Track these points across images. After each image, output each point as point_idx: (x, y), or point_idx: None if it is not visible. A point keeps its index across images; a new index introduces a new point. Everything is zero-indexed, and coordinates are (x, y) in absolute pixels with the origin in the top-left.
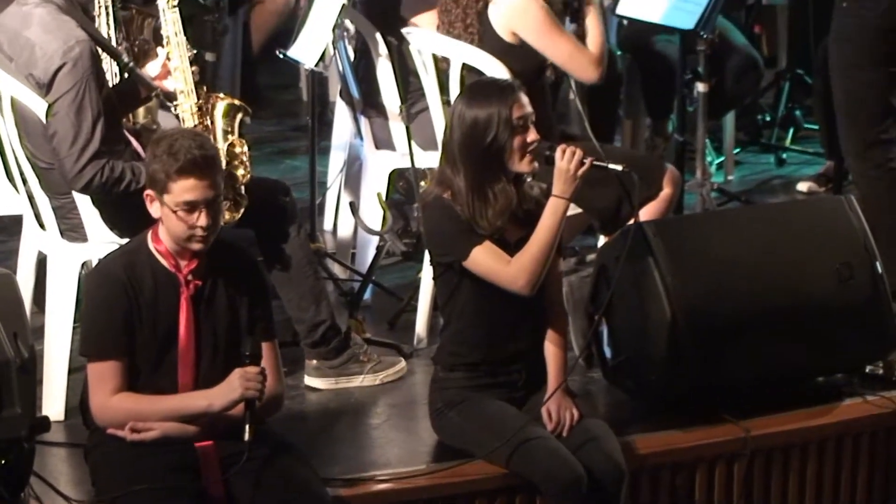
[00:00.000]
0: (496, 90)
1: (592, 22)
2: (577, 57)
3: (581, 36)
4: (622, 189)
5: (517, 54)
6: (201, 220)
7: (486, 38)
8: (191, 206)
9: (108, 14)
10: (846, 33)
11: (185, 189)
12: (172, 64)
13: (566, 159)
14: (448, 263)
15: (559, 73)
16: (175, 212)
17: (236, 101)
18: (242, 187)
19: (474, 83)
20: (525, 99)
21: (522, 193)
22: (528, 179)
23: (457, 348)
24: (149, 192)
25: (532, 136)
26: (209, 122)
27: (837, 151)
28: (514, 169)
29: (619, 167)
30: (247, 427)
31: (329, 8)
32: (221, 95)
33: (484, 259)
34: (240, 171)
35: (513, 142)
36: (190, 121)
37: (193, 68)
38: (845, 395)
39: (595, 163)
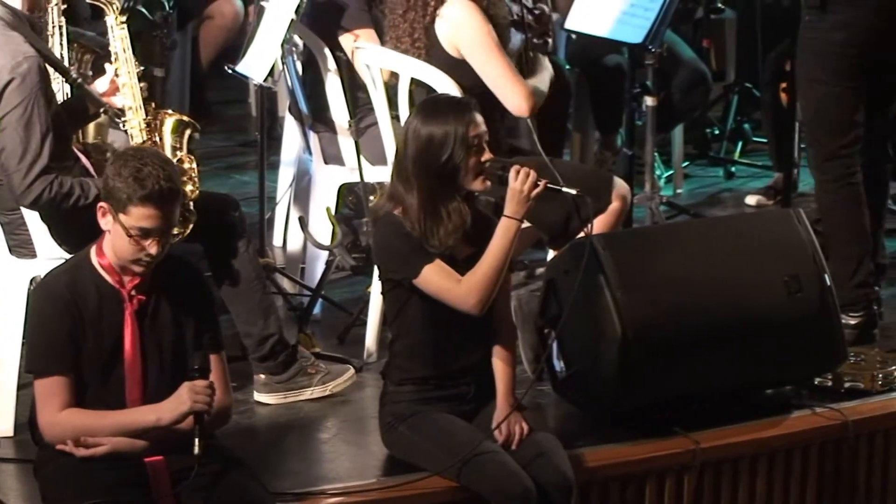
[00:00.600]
0: (453, 108)
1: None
2: (508, 82)
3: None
4: (571, 203)
5: (465, 69)
6: (152, 248)
7: (434, 53)
8: (145, 233)
9: (61, 34)
10: (809, 46)
11: (143, 216)
12: (121, 80)
13: (520, 180)
14: (398, 280)
15: None
16: (129, 235)
17: (185, 117)
18: (191, 203)
19: (430, 99)
20: (480, 118)
21: (473, 210)
22: (478, 195)
23: (405, 363)
24: (103, 204)
25: (486, 155)
26: (157, 139)
27: (786, 164)
28: (467, 188)
29: (572, 191)
30: (196, 441)
31: (278, 23)
32: (170, 111)
33: (434, 278)
34: (188, 188)
35: (468, 161)
36: (138, 137)
37: (142, 84)
38: (794, 407)
39: (549, 185)
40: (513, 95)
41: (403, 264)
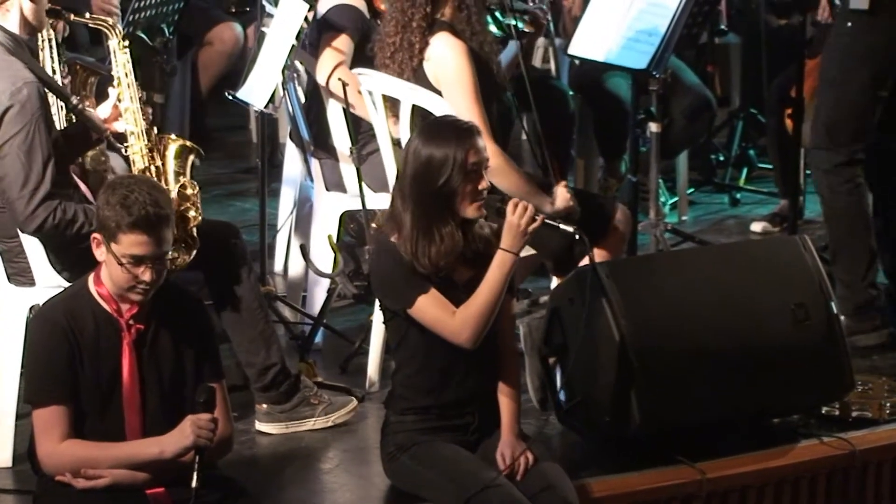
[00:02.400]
0: (454, 131)
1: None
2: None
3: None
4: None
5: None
6: (146, 275)
7: None
8: (137, 261)
9: (51, 48)
10: (849, 51)
11: (133, 243)
12: (123, 105)
13: (517, 214)
14: (394, 311)
15: (510, 114)
16: (121, 263)
17: (188, 143)
18: (194, 230)
19: (433, 120)
20: (482, 144)
21: (472, 233)
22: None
23: (408, 392)
24: (96, 235)
25: (484, 183)
26: (161, 164)
27: (791, 191)
28: (462, 214)
29: (570, 228)
30: (195, 474)
31: (279, 49)
32: (173, 137)
33: (428, 309)
34: (191, 213)
35: (465, 187)
36: (141, 162)
37: (146, 110)
38: (801, 436)
39: (546, 221)
40: None
41: (398, 294)
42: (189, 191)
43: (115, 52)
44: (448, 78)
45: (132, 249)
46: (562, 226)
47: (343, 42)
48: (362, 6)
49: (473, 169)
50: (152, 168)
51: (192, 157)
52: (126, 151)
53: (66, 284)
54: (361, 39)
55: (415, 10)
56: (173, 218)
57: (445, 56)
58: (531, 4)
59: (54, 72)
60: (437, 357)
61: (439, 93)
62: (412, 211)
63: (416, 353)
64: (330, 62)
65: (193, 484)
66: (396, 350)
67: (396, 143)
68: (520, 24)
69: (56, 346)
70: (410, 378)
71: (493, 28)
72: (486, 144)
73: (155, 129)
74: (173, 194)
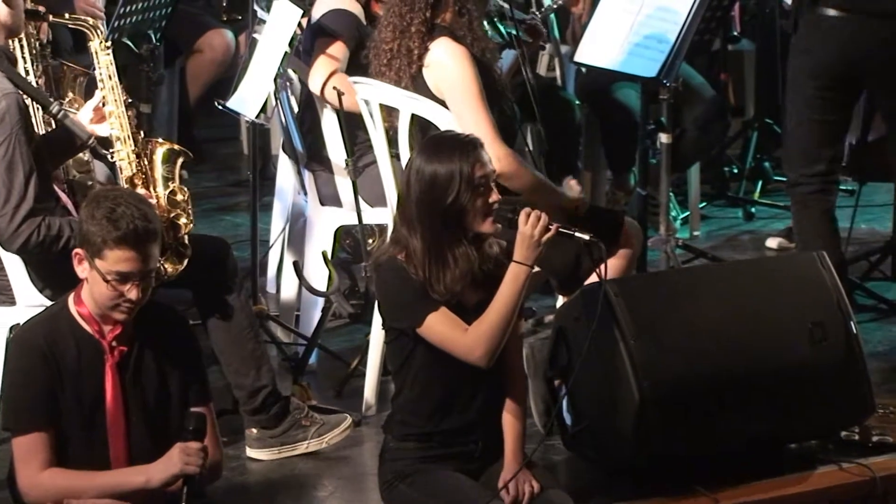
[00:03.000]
0: (457, 146)
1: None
2: (485, 136)
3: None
4: (581, 247)
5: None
6: (131, 292)
7: None
8: (123, 278)
9: (21, 47)
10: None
11: (120, 259)
12: (108, 108)
13: (530, 224)
14: (401, 330)
15: (513, 124)
16: (106, 280)
17: (176, 147)
18: (185, 237)
19: (433, 137)
20: (487, 157)
21: (482, 253)
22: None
23: (409, 417)
24: (79, 251)
25: (494, 196)
26: (148, 169)
27: None
28: (475, 230)
29: (585, 236)
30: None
31: (271, 56)
32: (160, 140)
33: (439, 327)
34: (182, 220)
35: (475, 202)
36: (128, 169)
37: (130, 113)
38: (820, 462)
39: (561, 229)
40: (489, 151)
41: (406, 312)
42: (179, 196)
43: (97, 53)
44: (451, 84)
45: (118, 266)
46: (577, 234)
47: (338, 49)
48: (359, 12)
49: (481, 182)
50: (139, 175)
51: (181, 161)
52: (112, 158)
53: (49, 303)
54: (357, 47)
55: (413, 14)
56: (161, 233)
57: (447, 62)
58: (528, 16)
59: (27, 72)
60: (441, 380)
61: (439, 101)
62: (421, 235)
63: (419, 375)
64: (324, 70)
65: None
66: (398, 372)
67: (395, 155)
68: (519, 33)
69: (35, 371)
70: (412, 402)
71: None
72: (496, 148)
73: (141, 133)
74: (162, 200)
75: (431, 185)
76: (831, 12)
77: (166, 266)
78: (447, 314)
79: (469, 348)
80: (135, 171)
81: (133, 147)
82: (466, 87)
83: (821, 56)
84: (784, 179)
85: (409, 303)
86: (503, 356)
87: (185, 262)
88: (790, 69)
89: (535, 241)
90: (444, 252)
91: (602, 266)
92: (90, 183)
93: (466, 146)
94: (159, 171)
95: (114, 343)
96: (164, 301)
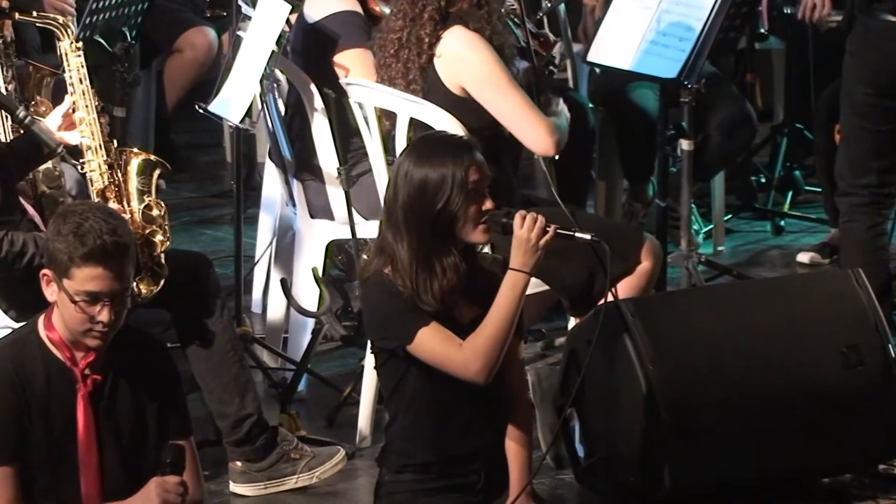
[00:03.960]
0: (450, 148)
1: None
2: (526, 118)
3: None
4: (595, 262)
5: (470, 108)
6: (102, 314)
7: (434, 94)
8: (93, 298)
9: None
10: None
11: (88, 278)
12: (78, 115)
13: (526, 227)
14: (391, 349)
15: None
16: (74, 301)
17: (152, 157)
18: (162, 256)
19: (424, 138)
20: (482, 160)
21: (476, 267)
22: (483, 250)
23: (405, 447)
24: (46, 272)
25: (488, 204)
26: (122, 181)
27: None
28: (467, 239)
29: (587, 236)
30: None
31: (256, 56)
32: (135, 150)
33: (431, 343)
34: (158, 238)
35: (467, 209)
36: (99, 181)
37: (102, 119)
38: (855, 498)
39: (559, 231)
40: (534, 132)
41: (395, 329)
42: (155, 212)
43: (66, 54)
44: (474, 75)
45: (87, 285)
46: (577, 234)
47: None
48: (359, 10)
49: (475, 188)
50: (112, 187)
51: (157, 173)
52: (82, 168)
53: (14, 325)
54: None
55: (427, 1)
56: (134, 249)
57: (464, 53)
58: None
59: None
60: (438, 405)
61: (451, 95)
62: (408, 243)
63: (413, 401)
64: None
65: None
66: (391, 399)
67: (391, 162)
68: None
69: (2, 400)
70: (407, 429)
71: None
72: (539, 124)
73: (115, 143)
74: (137, 216)
75: (421, 190)
76: (887, 17)
77: (140, 287)
78: (439, 329)
79: (465, 364)
80: (107, 183)
81: (105, 157)
82: (491, 72)
83: (870, 61)
84: (817, 190)
85: (397, 319)
86: (504, 380)
87: (161, 282)
88: (843, 69)
89: (532, 245)
90: (431, 260)
91: (608, 267)
92: (62, 200)
93: (460, 149)
94: (134, 183)
95: (87, 371)
96: (139, 322)
